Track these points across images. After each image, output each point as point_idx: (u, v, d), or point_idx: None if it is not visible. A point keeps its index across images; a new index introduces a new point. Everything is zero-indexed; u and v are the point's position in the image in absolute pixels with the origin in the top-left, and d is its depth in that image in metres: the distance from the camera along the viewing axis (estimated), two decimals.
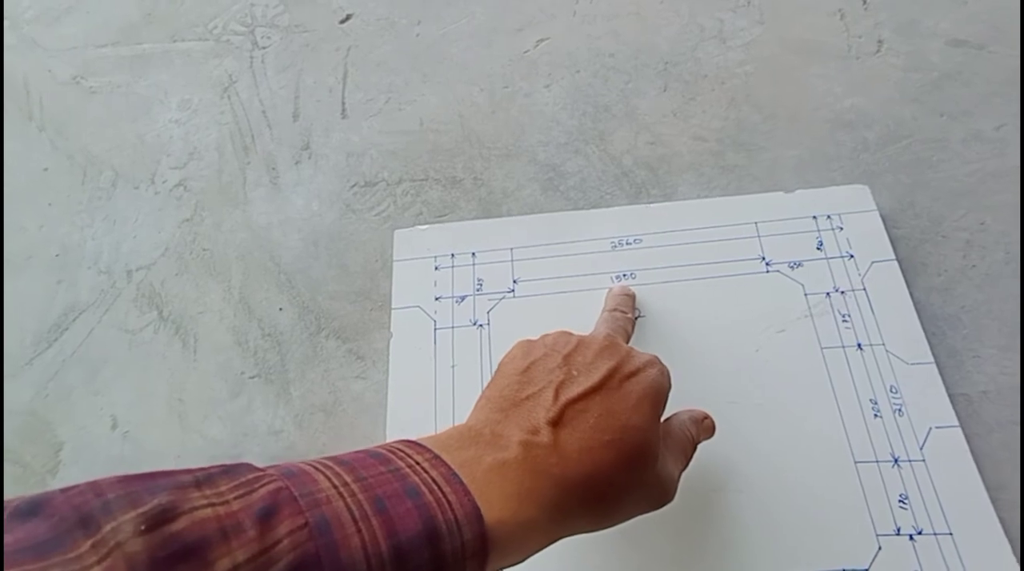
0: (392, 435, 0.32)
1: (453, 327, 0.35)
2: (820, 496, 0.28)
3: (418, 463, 0.19)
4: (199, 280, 0.41)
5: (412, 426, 0.32)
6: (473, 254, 0.37)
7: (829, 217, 0.35)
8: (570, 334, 0.26)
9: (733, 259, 0.34)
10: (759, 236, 0.35)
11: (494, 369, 0.33)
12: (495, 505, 0.19)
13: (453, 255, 0.37)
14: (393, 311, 0.36)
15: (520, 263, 0.36)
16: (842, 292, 0.33)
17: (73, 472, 0.35)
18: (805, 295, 0.33)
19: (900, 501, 0.27)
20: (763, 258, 0.34)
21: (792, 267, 0.34)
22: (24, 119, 0.51)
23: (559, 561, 0.27)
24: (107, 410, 0.37)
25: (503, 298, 0.35)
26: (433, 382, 0.33)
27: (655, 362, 0.26)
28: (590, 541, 0.23)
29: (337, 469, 0.18)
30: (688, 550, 0.28)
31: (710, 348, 0.32)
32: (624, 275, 0.35)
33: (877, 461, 0.28)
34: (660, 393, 0.25)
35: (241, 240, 0.42)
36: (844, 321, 0.32)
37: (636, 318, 0.33)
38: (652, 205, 0.37)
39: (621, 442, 0.22)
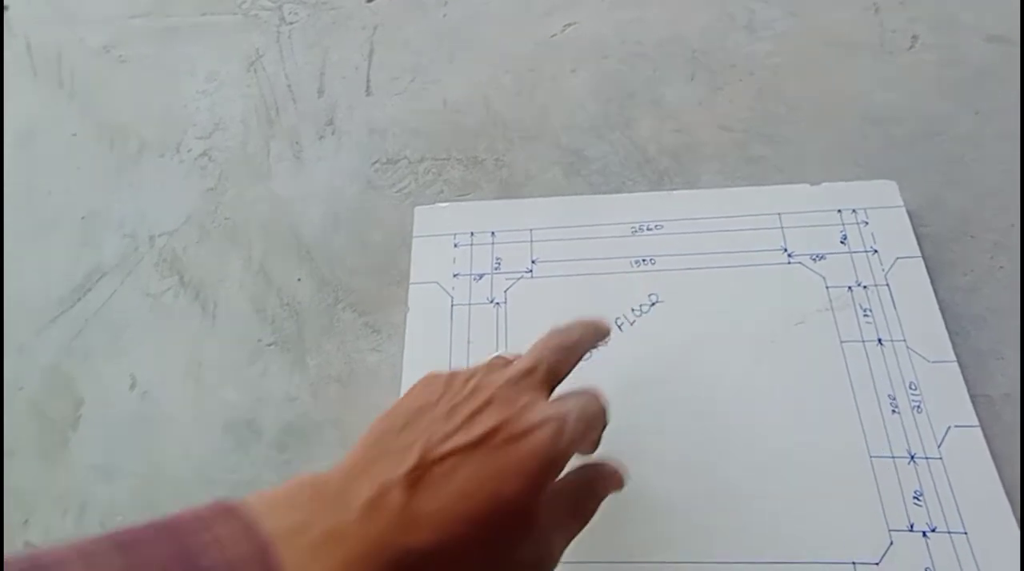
0: None
1: (470, 304, 0.35)
2: (832, 489, 0.28)
3: (219, 538, 0.17)
4: (220, 248, 0.41)
5: None
6: (492, 233, 0.37)
7: (855, 211, 0.34)
8: (477, 374, 0.23)
9: (755, 249, 0.34)
10: (782, 227, 0.35)
11: (509, 345, 0.34)
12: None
13: (472, 233, 0.37)
14: (411, 286, 0.36)
15: (539, 244, 0.36)
16: (864, 287, 0.32)
17: (92, 429, 0.36)
18: (826, 288, 0.32)
19: (915, 498, 0.27)
20: (785, 249, 0.34)
21: (815, 260, 0.33)
22: (55, 86, 0.52)
23: None
24: (126, 370, 0.37)
25: (521, 278, 0.35)
26: (448, 358, 0.33)
27: (558, 419, 0.22)
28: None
29: (106, 557, 0.16)
30: (695, 536, 0.28)
31: (727, 336, 0.32)
32: (644, 260, 0.35)
33: (893, 457, 0.28)
34: (550, 460, 0.21)
35: (263, 211, 0.42)
36: (865, 316, 0.31)
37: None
38: (674, 192, 0.37)
39: (486, 514, 0.20)
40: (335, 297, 0.38)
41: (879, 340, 0.31)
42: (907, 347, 0.30)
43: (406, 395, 0.24)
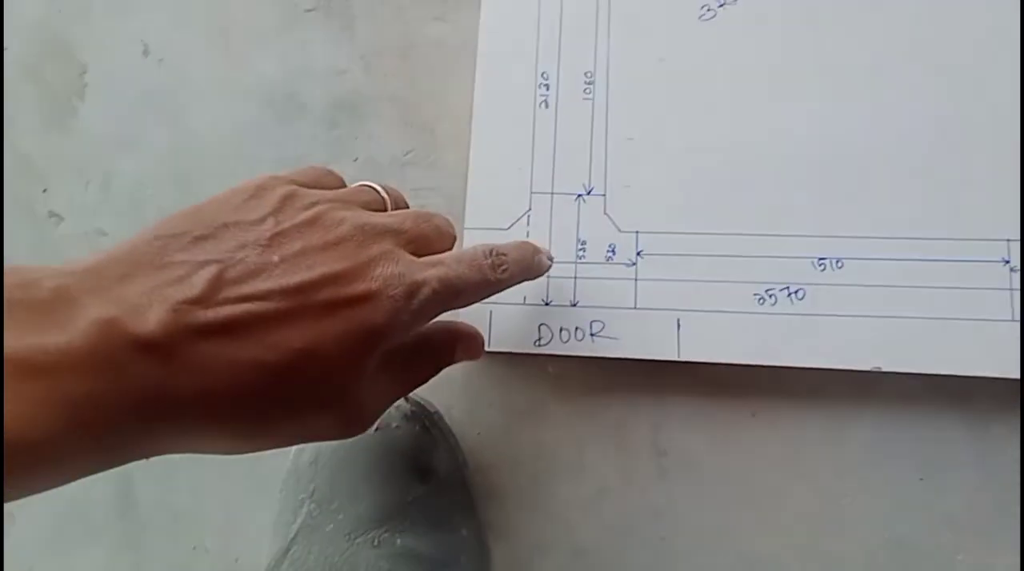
0: (483, 71, 0.27)
1: None
2: (991, 165, 0.24)
3: None
4: None
5: (506, 63, 0.27)
6: None
7: None
8: (326, 200, 0.18)
9: None
10: None
11: (613, 3, 0.27)
12: (11, 413, 0.12)
13: None
14: None
15: None
16: None
17: (103, 96, 0.30)
18: None
19: None
20: None
21: None
22: None
23: None
24: (136, 35, 0.31)
25: None
26: (536, 14, 0.27)
27: (407, 287, 0.17)
28: None
29: None
30: (828, 204, 0.25)
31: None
32: None
33: None
34: (380, 336, 0.17)
35: None
36: None
37: None
38: None
39: (291, 368, 0.16)
40: None
41: None
42: None
43: (227, 192, 0.18)
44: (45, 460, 0.13)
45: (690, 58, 0.26)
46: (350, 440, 0.24)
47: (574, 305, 0.25)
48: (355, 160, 0.29)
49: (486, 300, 0.25)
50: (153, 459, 0.28)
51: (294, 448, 0.25)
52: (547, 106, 0.26)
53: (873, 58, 0.25)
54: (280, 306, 0.16)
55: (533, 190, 0.26)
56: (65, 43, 0.31)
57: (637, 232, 0.25)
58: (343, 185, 0.21)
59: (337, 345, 0.16)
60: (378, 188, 0.21)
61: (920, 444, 0.24)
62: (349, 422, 0.18)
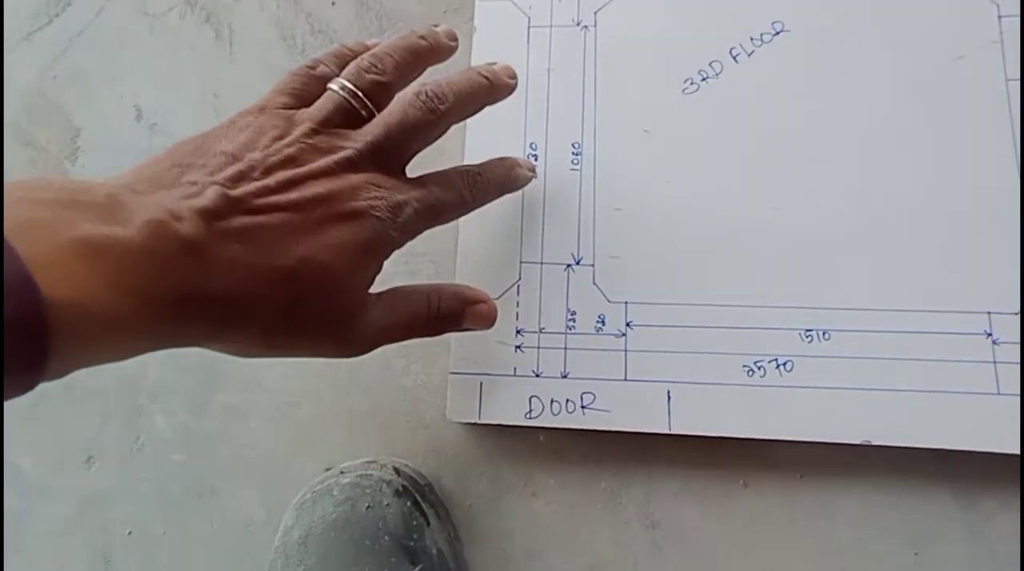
0: (473, 142, 0.27)
1: (551, 26, 0.28)
2: (973, 239, 0.24)
3: None
4: None
5: (496, 133, 0.27)
6: None
7: None
8: (304, 137, 0.20)
9: None
10: None
11: (599, 76, 0.28)
12: (74, 283, 0.14)
13: None
14: (477, 3, 0.29)
15: None
16: None
17: (95, 159, 0.30)
18: (999, 18, 0.26)
19: None
20: None
21: None
22: None
23: None
24: (129, 99, 0.31)
25: None
26: (524, 86, 0.28)
27: (390, 208, 0.20)
28: None
29: None
30: (821, 282, 0.25)
31: (865, 72, 0.26)
32: None
33: None
34: (365, 248, 0.19)
35: None
36: None
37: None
38: None
39: (296, 274, 0.18)
40: (379, 24, 0.31)
41: None
42: None
43: (226, 124, 0.20)
44: (102, 336, 0.15)
45: (674, 130, 0.27)
46: (342, 519, 0.24)
47: (565, 376, 0.25)
48: None
49: (475, 372, 0.26)
50: (135, 533, 0.28)
51: (282, 525, 0.25)
52: (536, 176, 0.27)
53: (859, 133, 0.26)
54: (284, 218, 0.18)
55: (523, 260, 0.26)
56: (59, 107, 0.31)
57: (626, 302, 0.25)
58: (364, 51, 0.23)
59: (334, 255, 0.19)
60: (356, 105, 0.21)
61: (914, 518, 0.24)
62: (347, 337, 0.20)
